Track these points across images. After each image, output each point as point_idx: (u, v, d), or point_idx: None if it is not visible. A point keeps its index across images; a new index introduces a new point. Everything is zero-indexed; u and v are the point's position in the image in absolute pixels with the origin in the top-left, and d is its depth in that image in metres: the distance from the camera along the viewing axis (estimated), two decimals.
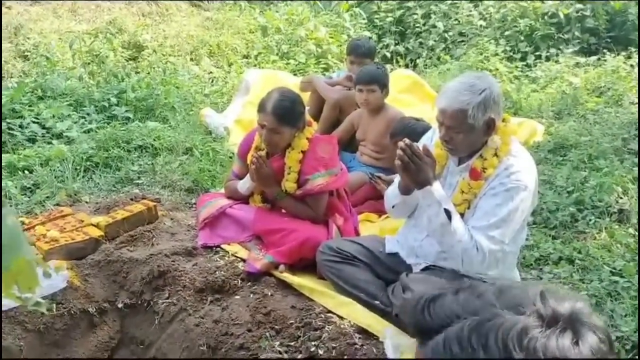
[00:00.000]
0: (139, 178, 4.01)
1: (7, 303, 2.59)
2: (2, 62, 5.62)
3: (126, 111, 4.92)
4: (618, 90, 5.75)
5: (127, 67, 5.99)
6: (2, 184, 3.60)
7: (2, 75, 5.46)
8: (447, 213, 2.48)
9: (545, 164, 4.44)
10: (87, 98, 4.94)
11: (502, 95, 2.55)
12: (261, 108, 3.06)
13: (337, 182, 3.17)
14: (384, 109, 4.06)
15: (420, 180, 2.49)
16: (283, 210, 3.20)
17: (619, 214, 3.72)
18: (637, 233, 3.54)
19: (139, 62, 6.47)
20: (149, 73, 5.92)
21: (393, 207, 2.83)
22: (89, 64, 5.99)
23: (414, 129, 3.13)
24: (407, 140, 2.50)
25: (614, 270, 3.20)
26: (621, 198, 3.80)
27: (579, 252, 3.37)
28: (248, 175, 3.20)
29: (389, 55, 7.67)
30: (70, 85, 5.15)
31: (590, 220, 3.68)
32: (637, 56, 6.28)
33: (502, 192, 2.48)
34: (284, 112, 3.02)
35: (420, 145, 2.82)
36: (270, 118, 3.00)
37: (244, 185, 3.22)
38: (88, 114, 4.76)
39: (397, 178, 2.79)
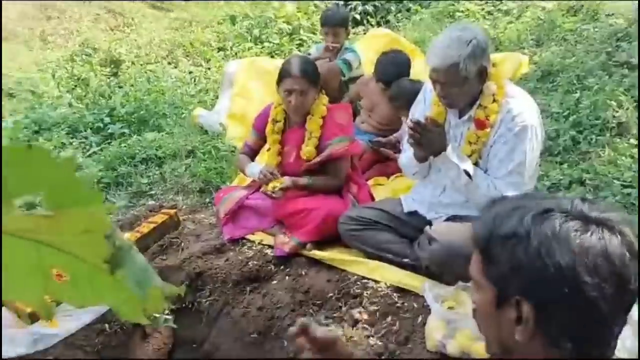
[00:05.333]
0: (150, 189, 4.08)
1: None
2: None
3: (121, 127, 4.96)
4: (592, 5, 5.79)
5: (110, 85, 6.02)
6: None
7: None
8: (467, 173, 2.58)
9: (536, 93, 4.49)
10: (81, 122, 4.99)
11: (488, 42, 2.62)
12: (287, 74, 3.14)
13: (355, 148, 3.30)
14: None
15: (434, 150, 2.61)
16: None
17: (618, 127, 3.80)
18: (637, 142, 3.64)
19: (119, 76, 6.49)
20: (132, 86, 5.96)
21: (413, 174, 2.95)
22: (73, 89, 6.02)
23: (412, 91, 3.21)
24: (414, 118, 2.63)
25: (624, 183, 3.30)
26: (617, 112, 3.88)
27: (587, 173, 3.46)
28: (257, 159, 3.30)
29: (358, 17, 7.66)
30: (61, 114, 5.19)
31: (591, 139, 3.76)
32: None
33: (512, 137, 2.55)
34: (310, 73, 3.15)
35: (416, 107, 2.92)
36: (300, 80, 3.11)
37: (253, 170, 3.31)
38: (86, 138, 4.81)
39: (406, 146, 2.85)
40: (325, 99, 3.27)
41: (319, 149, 3.20)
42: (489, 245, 1.09)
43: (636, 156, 3.50)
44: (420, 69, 4.75)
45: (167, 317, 0.81)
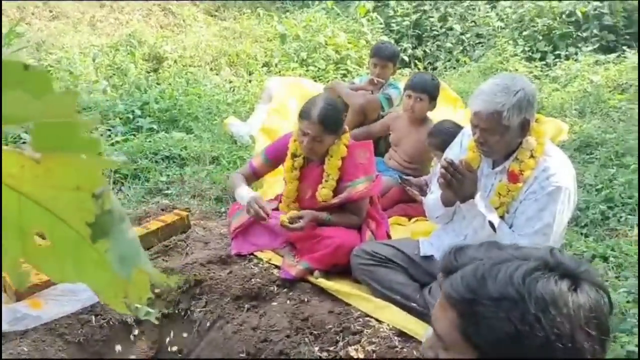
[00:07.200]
0: (167, 188, 4.02)
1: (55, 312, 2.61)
2: None
3: (150, 122, 4.95)
4: None
5: (149, 79, 6.03)
6: None
7: None
8: (492, 225, 2.49)
9: (572, 162, 4.37)
10: (111, 111, 4.97)
11: (536, 96, 2.54)
12: (305, 115, 3.01)
13: (375, 187, 3.18)
14: (426, 122, 3.99)
15: (463, 194, 2.53)
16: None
17: None
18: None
19: (159, 73, 6.51)
20: (170, 84, 5.96)
21: (437, 217, 2.85)
22: (111, 76, 6.04)
23: (452, 134, 3.10)
24: (448, 158, 2.55)
25: None
26: None
27: (612, 250, 3.34)
28: (247, 190, 3.16)
29: (407, 59, 7.65)
30: (93, 99, 5.19)
31: (621, 217, 3.66)
32: None
33: (544, 196, 2.47)
34: (329, 121, 3.00)
35: (451, 150, 2.83)
36: (315, 127, 2.98)
37: (242, 195, 3.14)
38: (113, 127, 4.79)
39: (434, 187, 2.78)
40: (347, 138, 3.14)
41: (337, 190, 3.10)
42: (472, 306, 1.00)
43: None
44: (458, 119, 4.69)
45: (150, 310, 0.71)
